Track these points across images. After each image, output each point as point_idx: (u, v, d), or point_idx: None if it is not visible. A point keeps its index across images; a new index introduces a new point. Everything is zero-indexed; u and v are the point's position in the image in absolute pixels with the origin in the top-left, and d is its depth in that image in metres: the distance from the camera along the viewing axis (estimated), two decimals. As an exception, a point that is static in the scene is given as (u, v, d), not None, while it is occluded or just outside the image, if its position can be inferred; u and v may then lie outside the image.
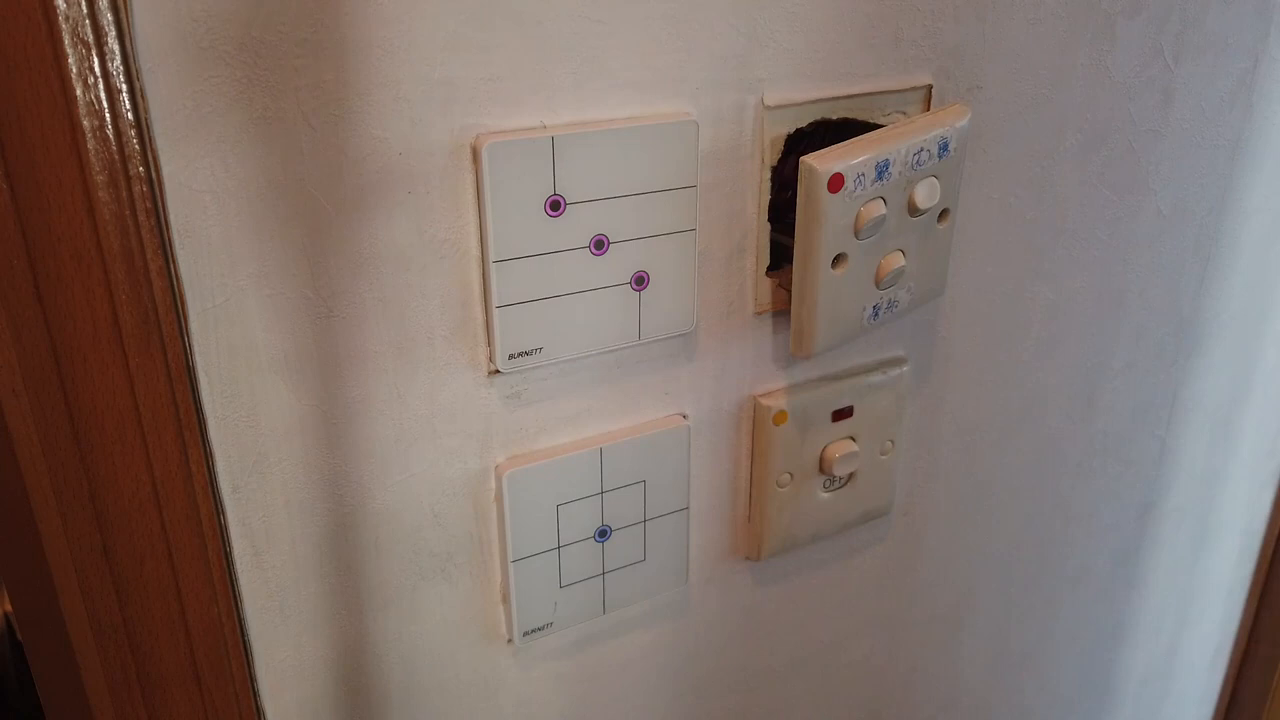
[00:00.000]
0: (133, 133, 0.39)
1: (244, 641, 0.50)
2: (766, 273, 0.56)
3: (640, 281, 0.51)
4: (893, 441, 0.66)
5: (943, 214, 0.56)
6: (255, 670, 0.51)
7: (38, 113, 0.37)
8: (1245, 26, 0.70)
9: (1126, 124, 0.68)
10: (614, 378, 0.54)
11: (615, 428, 0.55)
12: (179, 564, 0.45)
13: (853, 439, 0.63)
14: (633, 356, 0.54)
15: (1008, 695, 0.90)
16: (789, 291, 0.53)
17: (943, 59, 0.57)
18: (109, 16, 0.37)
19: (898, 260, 0.54)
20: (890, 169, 0.51)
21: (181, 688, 0.48)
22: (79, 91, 0.37)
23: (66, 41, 0.36)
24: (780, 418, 0.59)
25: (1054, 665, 0.92)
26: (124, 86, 0.38)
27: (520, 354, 0.50)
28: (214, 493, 0.46)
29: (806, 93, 0.53)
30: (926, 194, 0.53)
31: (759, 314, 0.58)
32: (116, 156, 0.38)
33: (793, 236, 0.51)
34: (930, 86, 0.57)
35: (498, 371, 0.50)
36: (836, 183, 0.49)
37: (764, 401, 0.59)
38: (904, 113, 0.57)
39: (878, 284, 0.54)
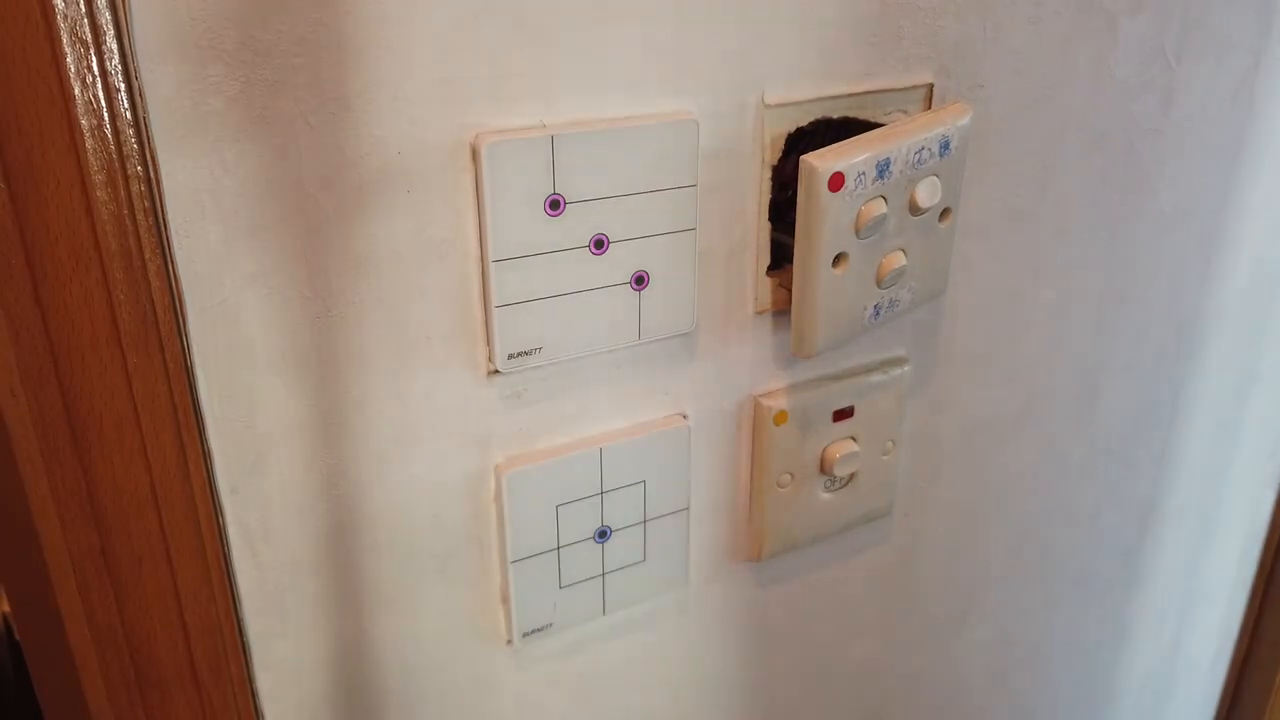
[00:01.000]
0: (131, 132, 0.39)
1: (243, 642, 0.49)
2: (767, 272, 0.56)
3: (640, 281, 0.51)
4: (894, 442, 0.66)
5: (944, 213, 0.56)
6: (254, 671, 0.51)
7: (36, 112, 0.37)
8: (1247, 26, 0.70)
9: (1128, 123, 0.68)
10: (614, 378, 0.54)
11: (615, 428, 0.55)
12: (177, 564, 0.45)
13: (854, 439, 0.63)
14: (633, 356, 0.54)
15: (1009, 695, 0.90)
16: (789, 291, 0.53)
17: (944, 57, 0.57)
18: (107, 15, 0.37)
19: (899, 260, 0.54)
20: (891, 168, 0.51)
21: (180, 688, 0.48)
22: (77, 91, 0.37)
23: (65, 41, 0.36)
24: (781, 418, 0.59)
25: (1055, 666, 0.92)
26: (122, 86, 0.38)
27: (520, 354, 0.49)
28: (212, 493, 0.46)
29: (807, 91, 0.53)
30: (928, 193, 0.53)
31: (759, 314, 0.57)
32: (115, 156, 0.38)
33: (793, 236, 0.51)
34: (931, 85, 0.57)
35: (497, 371, 0.50)
36: (837, 182, 0.49)
37: (764, 401, 0.59)
38: (905, 111, 0.57)
39: (878, 283, 0.54)
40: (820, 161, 0.49)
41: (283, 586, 0.50)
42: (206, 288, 0.43)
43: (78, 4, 0.36)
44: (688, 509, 0.59)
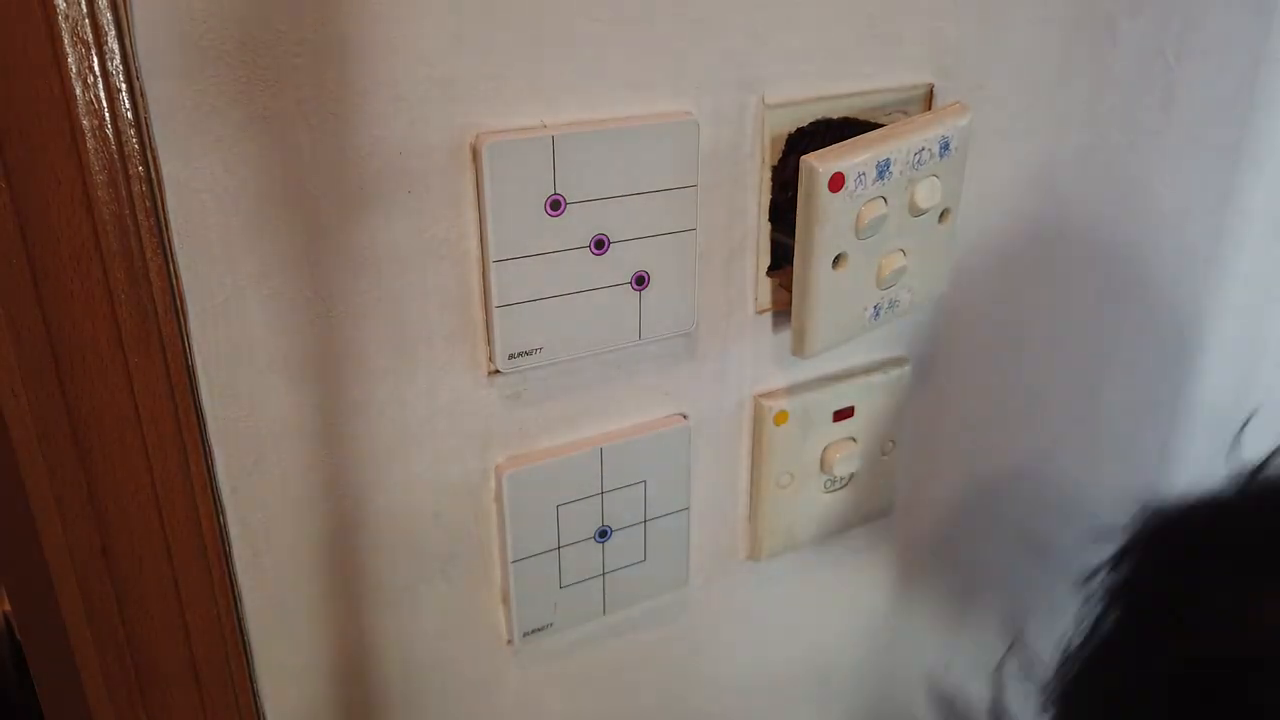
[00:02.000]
0: (132, 132, 0.39)
1: (243, 642, 0.49)
2: (767, 272, 0.56)
3: (640, 281, 0.51)
4: (894, 441, 0.66)
5: (944, 214, 0.56)
6: (255, 671, 0.51)
7: (37, 112, 0.37)
8: (1246, 27, 0.70)
9: (1128, 124, 0.68)
10: (614, 378, 0.54)
11: (615, 428, 0.55)
12: (178, 564, 0.45)
13: (854, 439, 0.63)
14: (633, 356, 0.54)
15: (1009, 697, 0.90)
16: (789, 291, 0.53)
17: (944, 58, 0.57)
18: (108, 16, 0.37)
19: (898, 260, 0.54)
20: (891, 168, 0.51)
21: (181, 688, 0.48)
22: (78, 91, 0.37)
23: (66, 41, 0.36)
24: (781, 418, 0.59)
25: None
26: (124, 86, 0.38)
27: (520, 354, 0.50)
28: (213, 493, 0.46)
29: (807, 92, 0.53)
30: (927, 193, 0.53)
31: (760, 314, 0.57)
32: (116, 156, 0.38)
33: (793, 236, 0.51)
34: (931, 86, 0.57)
35: (498, 371, 0.50)
36: (837, 182, 0.49)
37: (765, 401, 0.59)
38: (905, 112, 0.57)
39: (878, 284, 0.54)
40: (820, 162, 0.49)
41: (283, 586, 0.50)
42: (207, 288, 0.43)
43: (79, 4, 0.36)
44: (688, 509, 0.59)
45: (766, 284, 0.57)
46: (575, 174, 0.47)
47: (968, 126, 0.55)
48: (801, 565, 0.68)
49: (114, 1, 0.37)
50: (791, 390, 0.60)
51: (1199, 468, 0.90)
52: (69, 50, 0.36)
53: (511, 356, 0.49)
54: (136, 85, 0.39)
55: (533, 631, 0.56)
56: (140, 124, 0.39)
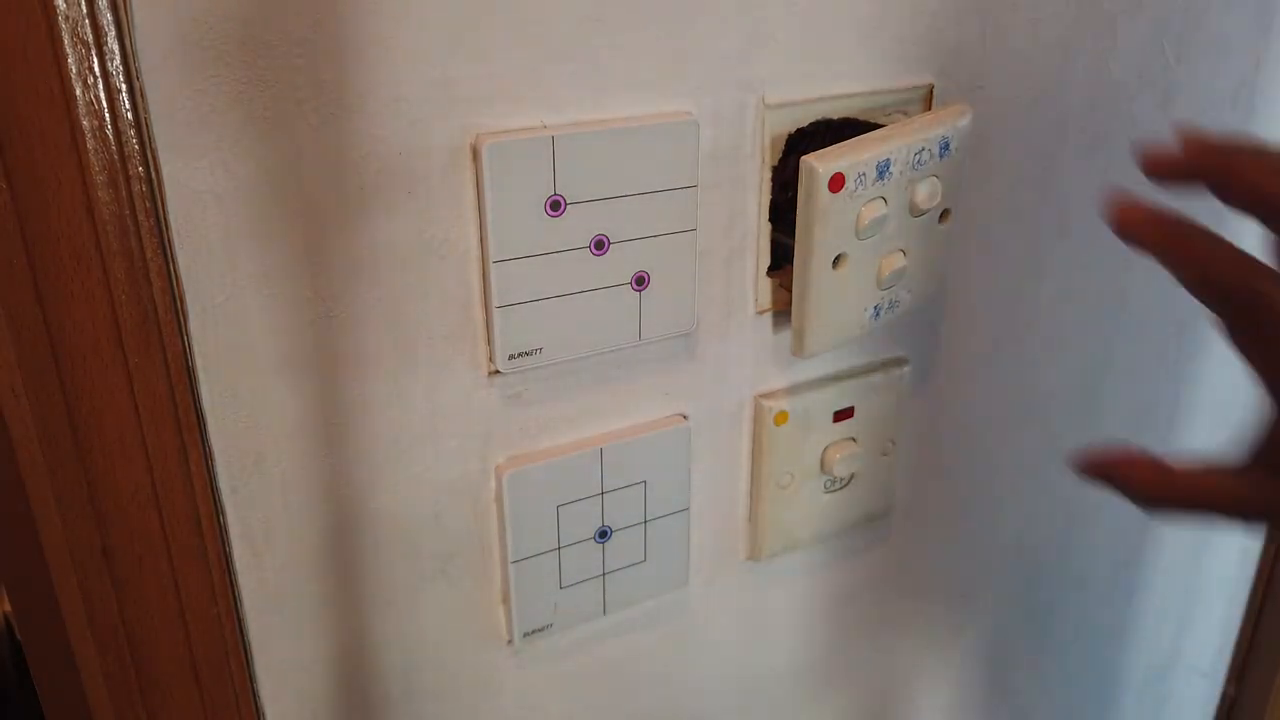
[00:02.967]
0: (132, 132, 0.39)
1: (243, 642, 0.49)
2: (767, 273, 0.56)
3: (640, 281, 0.51)
4: (894, 442, 0.66)
5: (944, 214, 0.56)
6: (255, 670, 0.51)
7: (37, 112, 0.37)
8: (1247, 27, 0.70)
9: (1128, 124, 0.68)
10: (614, 378, 0.54)
11: (615, 428, 0.55)
12: (178, 564, 0.45)
13: (854, 439, 0.63)
14: (633, 356, 0.54)
15: (1009, 697, 0.90)
16: (789, 291, 0.53)
17: (944, 58, 0.57)
18: (109, 16, 0.37)
19: (898, 260, 0.54)
20: (891, 169, 0.51)
21: (181, 688, 0.48)
22: (78, 91, 0.37)
23: (66, 41, 0.36)
24: (781, 418, 0.59)
25: (1055, 667, 0.92)
26: (124, 86, 0.38)
27: (520, 354, 0.50)
28: (213, 493, 0.46)
29: (807, 92, 0.53)
30: (928, 194, 0.53)
31: (760, 314, 0.57)
32: (116, 156, 0.38)
33: (793, 236, 0.51)
34: (931, 86, 0.57)
35: (498, 372, 0.50)
36: (837, 182, 0.49)
37: (765, 402, 0.59)
38: (905, 112, 0.57)
39: (879, 284, 0.54)
40: (820, 162, 0.49)
41: (283, 586, 0.50)
42: (208, 288, 0.43)
43: (79, 4, 0.36)
44: (688, 509, 0.59)
45: (766, 284, 0.57)
46: (575, 174, 0.47)
47: (968, 126, 0.55)
48: (801, 565, 0.68)
49: (114, 1, 0.37)
50: (792, 390, 0.60)
51: (1199, 468, 0.90)
52: (69, 51, 0.36)
53: (512, 357, 0.49)
54: (136, 85, 0.39)
55: (533, 632, 0.56)
56: (140, 124, 0.39)
